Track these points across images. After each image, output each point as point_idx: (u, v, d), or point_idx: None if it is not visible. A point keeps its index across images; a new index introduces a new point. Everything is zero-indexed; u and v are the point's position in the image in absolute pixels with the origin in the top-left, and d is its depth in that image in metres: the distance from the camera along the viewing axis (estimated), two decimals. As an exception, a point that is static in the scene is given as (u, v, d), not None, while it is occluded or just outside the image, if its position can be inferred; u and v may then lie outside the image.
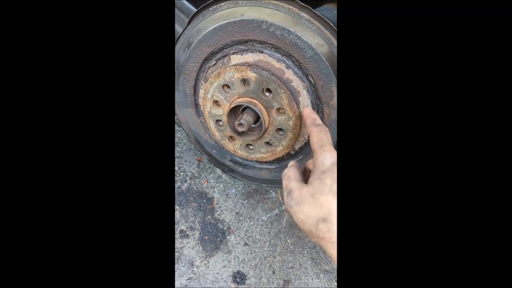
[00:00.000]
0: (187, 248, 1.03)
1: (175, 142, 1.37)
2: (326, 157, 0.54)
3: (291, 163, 0.63)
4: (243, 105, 0.73)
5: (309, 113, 0.65)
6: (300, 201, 0.52)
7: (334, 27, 0.64)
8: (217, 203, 1.18)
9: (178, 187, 1.21)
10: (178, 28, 1.00)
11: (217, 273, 0.98)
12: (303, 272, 1.03)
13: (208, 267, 1.00)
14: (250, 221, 1.14)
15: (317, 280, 1.02)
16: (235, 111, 0.77)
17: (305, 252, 1.08)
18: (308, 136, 0.75)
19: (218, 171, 1.28)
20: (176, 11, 1.07)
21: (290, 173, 0.59)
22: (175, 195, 1.18)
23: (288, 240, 1.11)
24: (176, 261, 1.00)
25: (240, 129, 0.72)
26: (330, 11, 1.10)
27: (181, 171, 1.27)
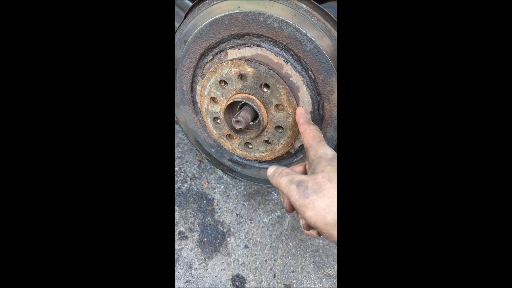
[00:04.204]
0: (185, 250, 1.00)
1: (177, 142, 1.36)
2: (327, 149, 0.55)
3: (272, 166, 0.59)
4: (241, 101, 0.70)
5: (303, 112, 0.65)
6: (318, 189, 0.47)
7: (334, 18, 0.61)
8: (217, 204, 1.15)
9: (178, 188, 1.18)
10: (177, 25, 0.98)
11: (215, 276, 0.95)
12: (305, 276, 0.99)
13: (207, 270, 0.97)
14: (251, 223, 1.11)
15: (320, 284, 0.98)
16: (232, 108, 0.74)
17: (307, 255, 1.04)
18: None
19: (219, 172, 1.25)
20: (176, 9, 1.05)
21: (286, 169, 0.55)
22: (175, 195, 1.16)
23: (290, 243, 1.07)
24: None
25: (237, 126, 0.69)
26: (333, 8, 1.07)
27: (182, 172, 1.24)
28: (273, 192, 1.22)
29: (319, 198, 0.46)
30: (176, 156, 1.30)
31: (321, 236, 0.67)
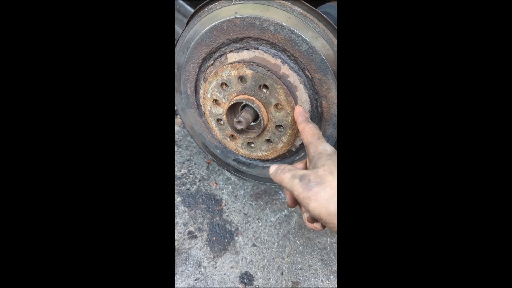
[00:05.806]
0: (195, 249, 1.03)
1: (185, 145, 1.40)
2: (327, 145, 0.57)
3: (274, 165, 0.61)
4: (242, 102, 0.73)
5: (301, 111, 0.67)
6: (320, 181, 0.49)
7: (327, 19, 0.63)
8: (225, 205, 1.18)
9: (187, 189, 1.22)
10: (180, 31, 1.03)
11: (224, 274, 0.98)
12: (313, 273, 1.01)
13: (216, 267, 0.99)
14: (259, 222, 1.13)
15: (327, 282, 0.99)
16: (234, 109, 0.77)
17: (314, 253, 1.06)
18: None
19: (227, 173, 1.28)
20: (180, 16, 1.09)
21: (288, 166, 0.57)
22: (185, 197, 1.20)
23: (297, 241, 1.08)
24: (184, 261, 1.00)
25: (239, 126, 0.72)
26: (334, 8, 1.09)
27: (191, 174, 1.28)
28: (280, 192, 1.23)
29: (321, 190, 0.48)
30: (185, 158, 1.34)
31: (325, 229, 0.68)
